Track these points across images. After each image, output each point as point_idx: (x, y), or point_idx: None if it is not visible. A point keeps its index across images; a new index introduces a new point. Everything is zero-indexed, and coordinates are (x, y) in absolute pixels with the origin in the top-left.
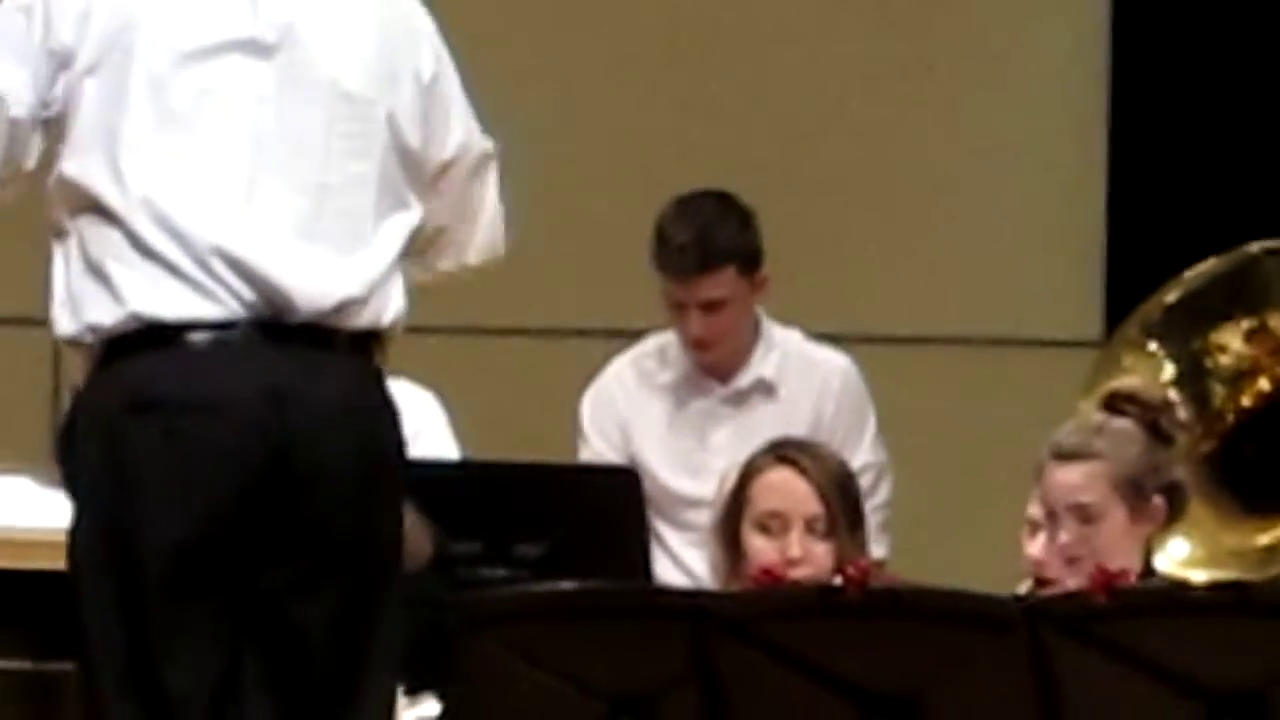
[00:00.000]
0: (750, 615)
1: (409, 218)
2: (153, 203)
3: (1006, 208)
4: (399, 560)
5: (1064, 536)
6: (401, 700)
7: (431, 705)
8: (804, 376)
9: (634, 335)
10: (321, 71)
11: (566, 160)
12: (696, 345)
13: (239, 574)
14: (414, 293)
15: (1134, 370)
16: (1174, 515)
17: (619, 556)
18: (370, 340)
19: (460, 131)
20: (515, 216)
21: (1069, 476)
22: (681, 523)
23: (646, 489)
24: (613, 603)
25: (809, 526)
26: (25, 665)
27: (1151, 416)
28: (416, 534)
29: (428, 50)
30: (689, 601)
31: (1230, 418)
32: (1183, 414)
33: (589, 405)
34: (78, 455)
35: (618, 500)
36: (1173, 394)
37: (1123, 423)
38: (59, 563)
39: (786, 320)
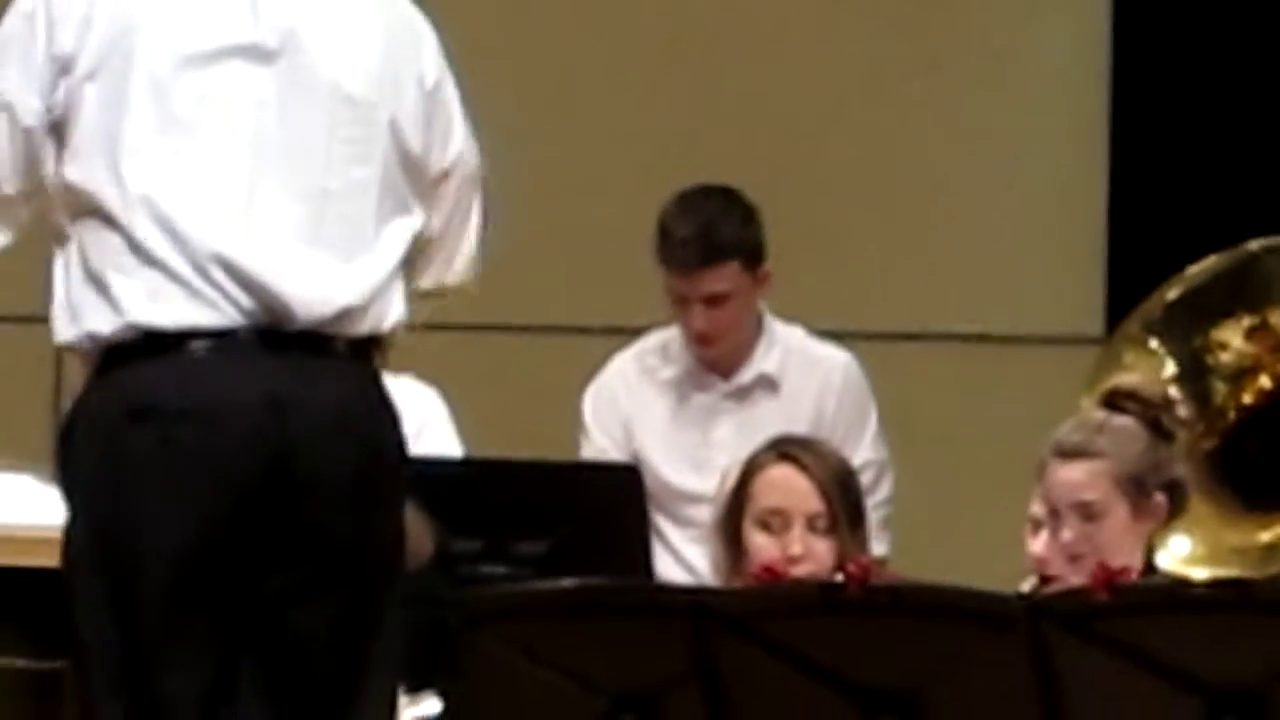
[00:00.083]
0: (751, 612)
1: (411, 222)
2: (153, 207)
3: (1008, 205)
4: (399, 566)
5: (1066, 534)
6: (403, 698)
7: (433, 703)
8: (806, 373)
9: (635, 333)
10: (323, 76)
11: (567, 158)
12: (699, 340)
13: (238, 581)
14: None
15: (1135, 367)
16: (1175, 512)
17: (620, 554)
18: (370, 345)
19: (459, 140)
20: (517, 215)
21: (1072, 474)
22: (683, 519)
23: (648, 485)
24: (614, 600)
25: (810, 524)
26: (26, 663)
27: (1153, 414)
28: (418, 532)
29: (430, 56)
30: (690, 599)
31: (1231, 415)
32: (1183, 411)
33: (591, 401)
34: (75, 460)
35: (619, 498)
36: (1173, 391)
37: (1124, 420)
38: (60, 560)
39: (788, 317)
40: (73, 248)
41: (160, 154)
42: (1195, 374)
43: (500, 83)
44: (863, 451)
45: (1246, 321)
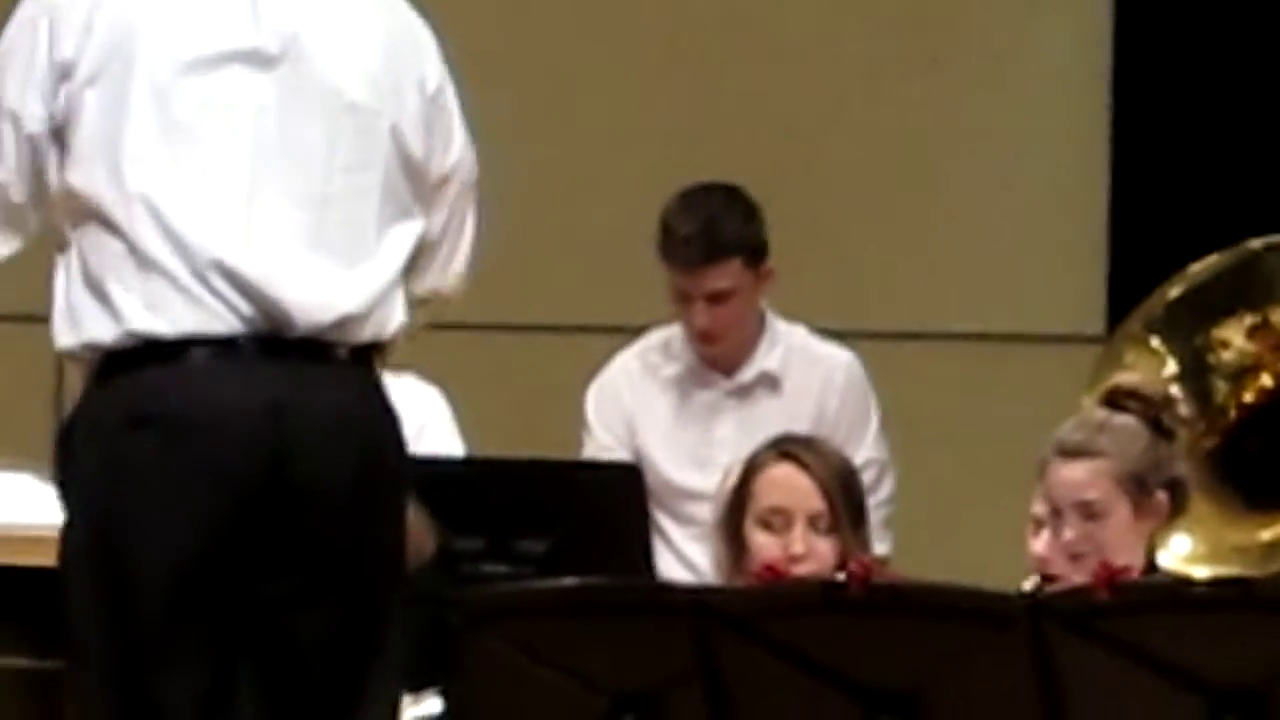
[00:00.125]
0: (753, 611)
1: (413, 227)
2: (153, 213)
3: (1009, 204)
4: (401, 572)
5: (1068, 533)
6: (404, 697)
7: (434, 702)
8: (808, 371)
9: (636, 331)
10: (325, 82)
11: (568, 157)
12: (702, 337)
13: (237, 587)
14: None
15: (1137, 366)
16: (1176, 511)
17: (622, 553)
18: (371, 352)
19: (459, 146)
20: (519, 214)
21: (1073, 473)
22: (685, 517)
23: (650, 483)
24: (616, 599)
25: (812, 523)
26: (27, 662)
27: (1154, 412)
28: (419, 531)
29: (431, 61)
30: (692, 598)
31: (1233, 414)
32: (1184, 409)
33: (593, 398)
34: (74, 465)
35: (620, 497)
36: (1175, 389)
37: (1126, 419)
38: (57, 564)
39: (789, 316)
40: (73, 254)
41: (161, 160)
42: (1196, 372)
43: (501, 83)
44: (864, 451)
45: (1248, 320)
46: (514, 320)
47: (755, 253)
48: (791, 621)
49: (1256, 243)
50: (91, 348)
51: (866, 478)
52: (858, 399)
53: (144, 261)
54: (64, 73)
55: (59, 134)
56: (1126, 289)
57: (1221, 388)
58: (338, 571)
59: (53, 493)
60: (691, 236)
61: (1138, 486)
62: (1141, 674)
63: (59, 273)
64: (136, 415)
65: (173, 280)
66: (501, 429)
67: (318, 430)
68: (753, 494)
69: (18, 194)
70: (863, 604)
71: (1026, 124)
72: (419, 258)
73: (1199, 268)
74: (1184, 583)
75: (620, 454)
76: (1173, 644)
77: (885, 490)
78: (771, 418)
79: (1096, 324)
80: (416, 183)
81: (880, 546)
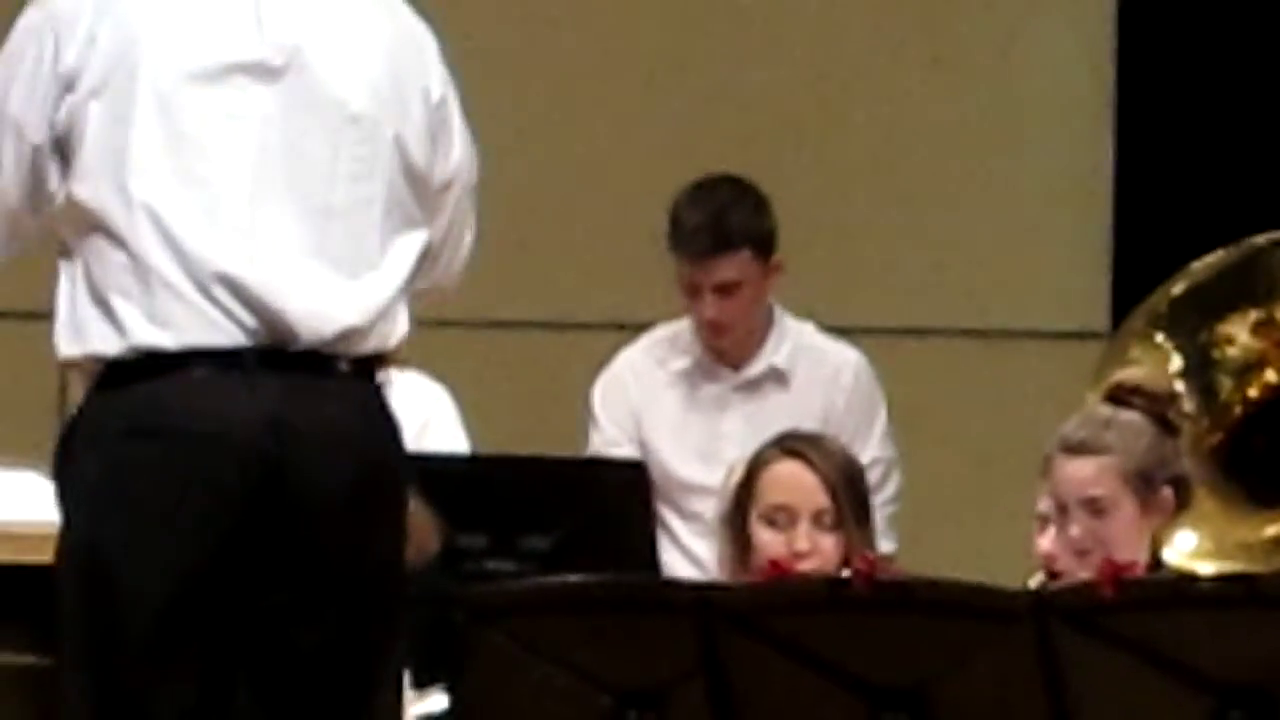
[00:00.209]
0: (758, 608)
1: (418, 237)
2: (157, 225)
3: (1013, 200)
4: (399, 586)
5: (1074, 530)
6: (409, 694)
7: (439, 699)
8: (816, 368)
9: (640, 328)
10: (328, 93)
11: (572, 154)
12: (710, 329)
13: (233, 602)
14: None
15: (1141, 362)
16: (1181, 507)
17: (626, 550)
18: (374, 363)
19: (460, 149)
20: (522, 211)
21: (1080, 470)
22: (689, 512)
23: (655, 477)
24: (620, 596)
25: (816, 519)
26: (32, 659)
27: (1158, 408)
28: (424, 528)
29: (435, 69)
30: (697, 594)
31: (1237, 410)
32: (1188, 405)
33: (600, 391)
34: (73, 471)
35: (625, 494)
36: (1179, 386)
37: (1131, 416)
38: (53, 569)
39: (792, 312)
40: (77, 265)
41: (165, 171)
42: (1201, 369)
43: (504, 80)
44: (871, 449)
45: (1252, 316)
46: (519, 317)
47: (764, 244)
48: (796, 618)
49: (1261, 239)
50: (95, 359)
51: (873, 476)
52: (865, 398)
53: (147, 274)
54: (68, 84)
55: (61, 144)
56: (1131, 285)
57: (1226, 384)
58: (335, 585)
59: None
60: (701, 227)
61: (1143, 483)
62: (1146, 670)
63: (62, 282)
64: (137, 426)
65: (176, 293)
66: (506, 426)
67: (317, 444)
68: (757, 491)
69: (18, 203)
70: (867, 601)
71: (1030, 120)
72: (422, 262)
73: (1203, 264)
74: (1188, 579)
75: (626, 448)
76: (1178, 640)
77: (891, 489)
78: (779, 413)
79: (1101, 320)
80: (420, 192)
81: (885, 545)
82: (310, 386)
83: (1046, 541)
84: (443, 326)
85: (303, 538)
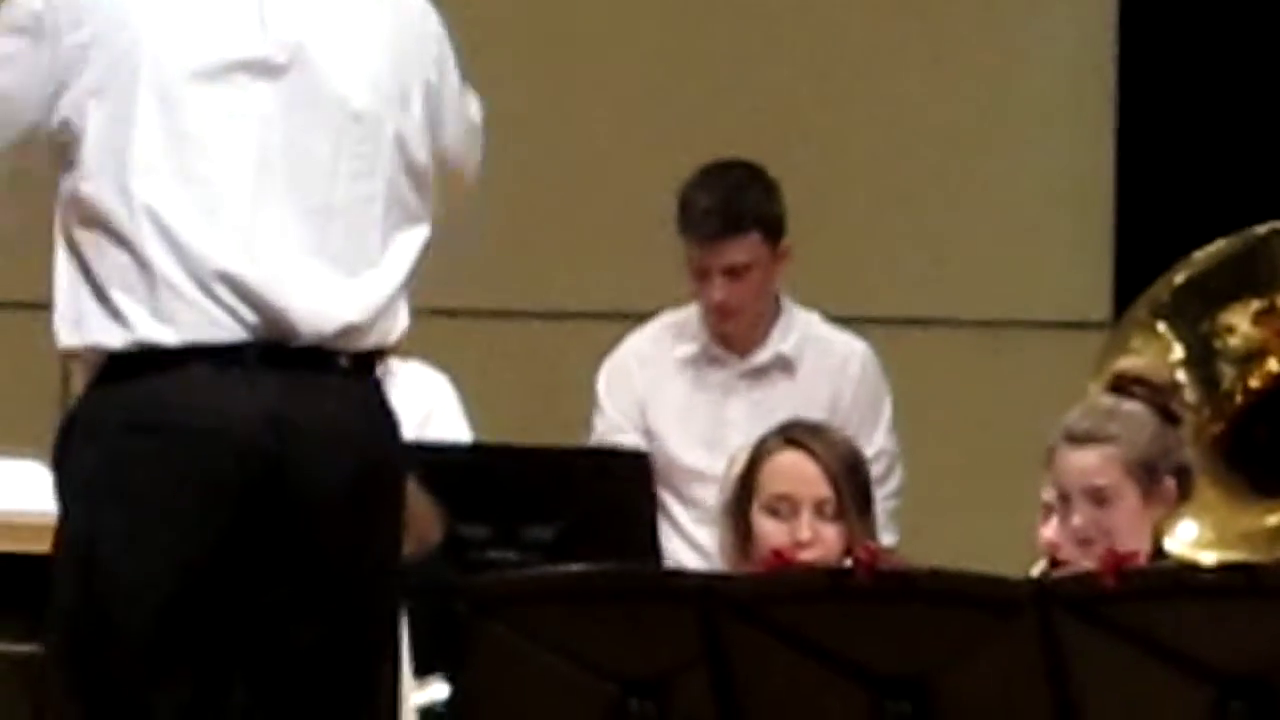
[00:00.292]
0: (760, 598)
1: (420, 232)
2: (158, 224)
3: (1015, 190)
4: (396, 585)
5: (1077, 520)
6: (411, 683)
7: (441, 688)
8: (823, 358)
9: (644, 318)
10: (330, 91)
11: (574, 144)
12: (718, 311)
13: (231, 600)
14: (427, 277)
15: (1143, 352)
16: (1183, 497)
17: (629, 539)
18: (374, 359)
19: (454, 122)
20: (525, 201)
21: (1083, 460)
22: (693, 499)
23: (659, 464)
24: (623, 585)
25: (818, 509)
26: (32, 649)
27: (1160, 398)
28: (426, 518)
29: (437, 55)
30: (699, 584)
31: (1239, 399)
32: (1190, 395)
33: (605, 377)
34: (72, 464)
35: (628, 483)
36: (1181, 375)
37: (1134, 405)
38: (51, 561)
39: (795, 303)
40: (78, 258)
41: (167, 170)
42: (1203, 358)
43: (508, 70)
44: (876, 441)
45: (1254, 305)
46: (521, 307)
47: (774, 228)
48: (798, 608)
49: (1262, 228)
50: (96, 350)
51: (877, 469)
52: (872, 389)
53: (149, 272)
54: (67, 81)
55: (63, 142)
56: (1133, 275)
57: (1228, 373)
58: (334, 583)
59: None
60: (711, 209)
61: (1147, 473)
62: (1149, 661)
63: (62, 272)
64: (137, 420)
65: (177, 292)
66: (509, 415)
67: (317, 441)
68: (759, 481)
69: None
70: (870, 590)
71: (1033, 112)
72: (422, 257)
73: (1204, 254)
74: (1190, 569)
75: (630, 434)
76: (1179, 630)
77: (894, 483)
78: (784, 401)
79: (1103, 310)
80: (422, 188)
81: (886, 538)
82: (310, 383)
83: (1050, 531)
84: (445, 316)
85: (301, 534)
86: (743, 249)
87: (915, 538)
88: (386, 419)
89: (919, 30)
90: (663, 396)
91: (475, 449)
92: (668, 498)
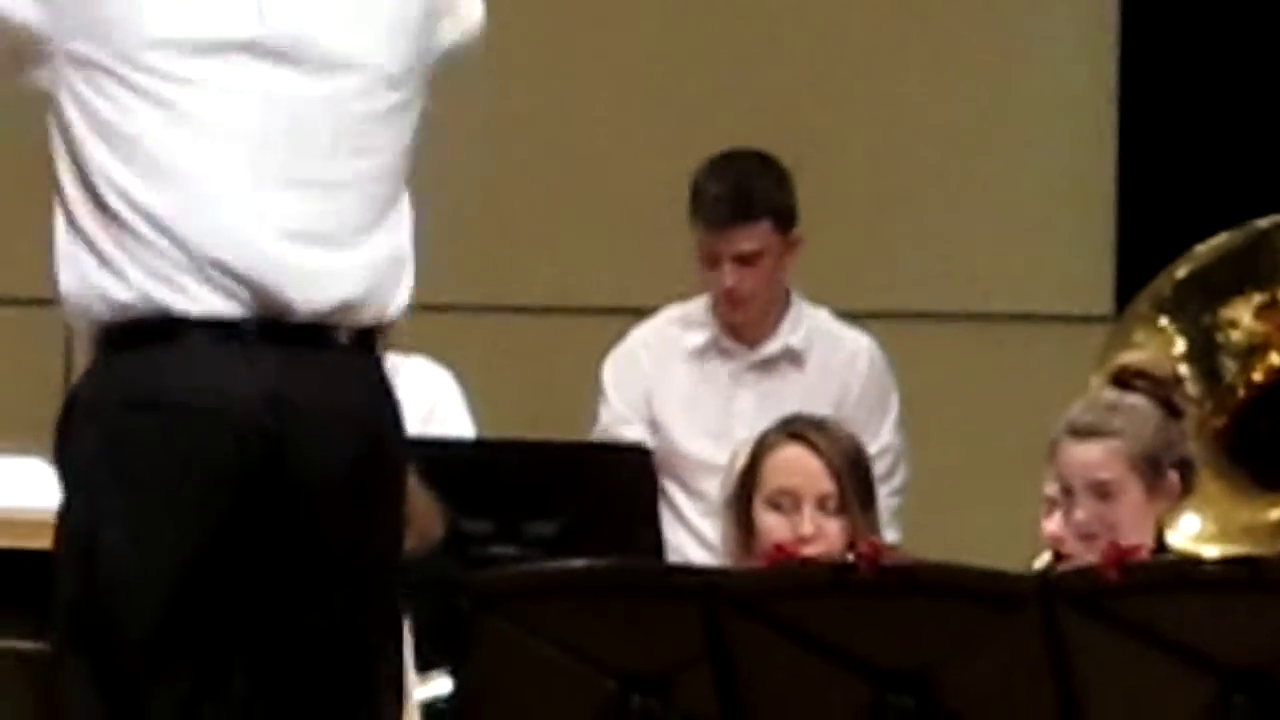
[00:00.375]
0: (763, 593)
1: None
2: (154, 201)
3: (1017, 184)
4: (397, 567)
5: (1080, 514)
6: (413, 678)
7: (444, 683)
8: (832, 353)
9: (648, 313)
10: (330, 68)
11: (578, 140)
12: (728, 299)
13: (233, 585)
14: (429, 271)
15: (1145, 346)
16: (1185, 490)
17: (631, 535)
18: (374, 334)
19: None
20: (528, 195)
21: (1087, 454)
22: (698, 491)
23: (664, 455)
24: (626, 581)
25: (821, 504)
26: (34, 645)
27: (1163, 392)
28: (428, 514)
29: (443, 25)
30: (702, 579)
31: (1241, 393)
32: (1192, 389)
33: (611, 367)
34: (73, 445)
35: (630, 479)
36: (1183, 369)
37: (1137, 399)
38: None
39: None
40: (77, 221)
41: (162, 147)
42: (1205, 352)
43: (508, 68)
44: (883, 437)
45: (1256, 299)
46: (524, 301)
47: (785, 217)
48: (801, 603)
49: (1264, 222)
50: (103, 298)
51: (882, 465)
52: (879, 385)
53: (145, 246)
54: (53, 51)
55: (62, 119)
56: (1134, 269)
57: (1230, 367)
58: (334, 568)
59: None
60: (722, 196)
61: (1151, 467)
62: (1152, 654)
63: (61, 222)
64: (135, 396)
65: (176, 264)
66: (512, 410)
67: (316, 421)
68: (762, 475)
69: None
70: (873, 585)
71: (1035, 105)
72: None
73: (1206, 247)
74: (1193, 562)
75: (635, 425)
76: (1182, 623)
77: (898, 479)
78: (792, 393)
79: (1105, 304)
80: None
81: (889, 535)
82: (309, 360)
83: (1053, 525)
84: (448, 311)
85: (302, 517)
86: (754, 236)
87: (918, 532)
88: (386, 396)
89: (919, 30)
90: (669, 387)
91: (478, 444)
92: (673, 489)
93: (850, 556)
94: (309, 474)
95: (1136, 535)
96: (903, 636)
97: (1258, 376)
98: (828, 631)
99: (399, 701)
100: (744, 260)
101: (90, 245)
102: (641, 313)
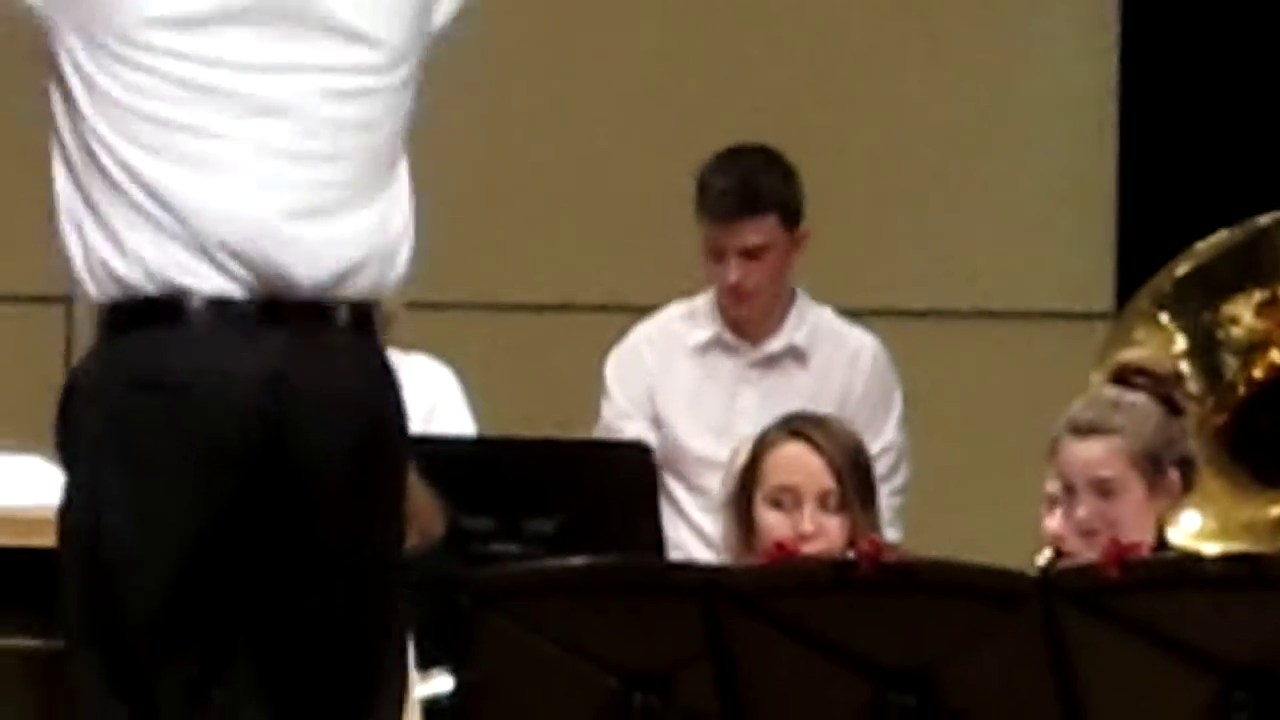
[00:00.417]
0: (764, 590)
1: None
2: (155, 176)
3: (1018, 181)
4: (400, 549)
5: (1081, 511)
6: (414, 676)
7: (445, 681)
8: (835, 352)
9: (647, 311)
10: (332, 38)
11: (579, 138)
12: (733, 293)
13: (236, 568)
14: (430, 269)
15: (1146, 343)
16: (1186, 488)
17: (632, 532)
18: (371, 313)
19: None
20: (529, 193)
21: (1088, 452)
22: (699, 487)
23: (667, 451)
24: (626, 578)
25: (821, 501)
26: (35, 643)
27: (1163, 389)
28: (428, 511)
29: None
30: (702, 577)
31: (1242, 390)
32: (1193, 386)
33: (614, 363)
34: (74, 433)
35: (631, 476)
36: (1184, 366)
37: (1138, 396)
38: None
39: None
40: (82, 192)
41: (164, 121)
42: (1206, 349)
43: (509, 66)
44: (885, 436)
45: (1257, 296)
46: (525, 299)
47: (791, 212)
48: (802, 600)
49: (1265, 219)
50: (103, 264)
51: (885, 463)
52: (883, 384)
53: (148, 219)
54: (49, 23)
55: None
56: (1135, 266)
57: (1231, 364)
58: (335, 553)
59: (60, 475)
60: (729, 190)
61: (1152, 464)
62: (1153, 652)
63: (65, 196)
64: (138, 376)
65: (177, 239)
66: (512, 408)
67: (316, 403)
68: (762, 472)
69: None
70: (873, 583)
71: (1035, 104)
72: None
73: (1207, 244)
74: (1194, 560)
75: (637, 420)
76: (1183, 621)
77: (900, 478)
78: (796, 391)
79: (1105, 301)
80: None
81: (891, 534)
82: (310, 341)
83: (1054, 522)
84: (449, 309)
85: (302, 501)
86: (759, 230)
87: (918, 529)
88: (388, 381)
89: (919, 30)
90: (673, 383)
91: (478, 442)
92: (675, 486)
93: (851, 554)
94: (308, 458)
95: (1137, 533)
96: (903, 634)
97: (1258, 374)
98: (828, 629)
99: (404, 686)
100: (749, 254)
101: (95, 218)
102: (641, 311)
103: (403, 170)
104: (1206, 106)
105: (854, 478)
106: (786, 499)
